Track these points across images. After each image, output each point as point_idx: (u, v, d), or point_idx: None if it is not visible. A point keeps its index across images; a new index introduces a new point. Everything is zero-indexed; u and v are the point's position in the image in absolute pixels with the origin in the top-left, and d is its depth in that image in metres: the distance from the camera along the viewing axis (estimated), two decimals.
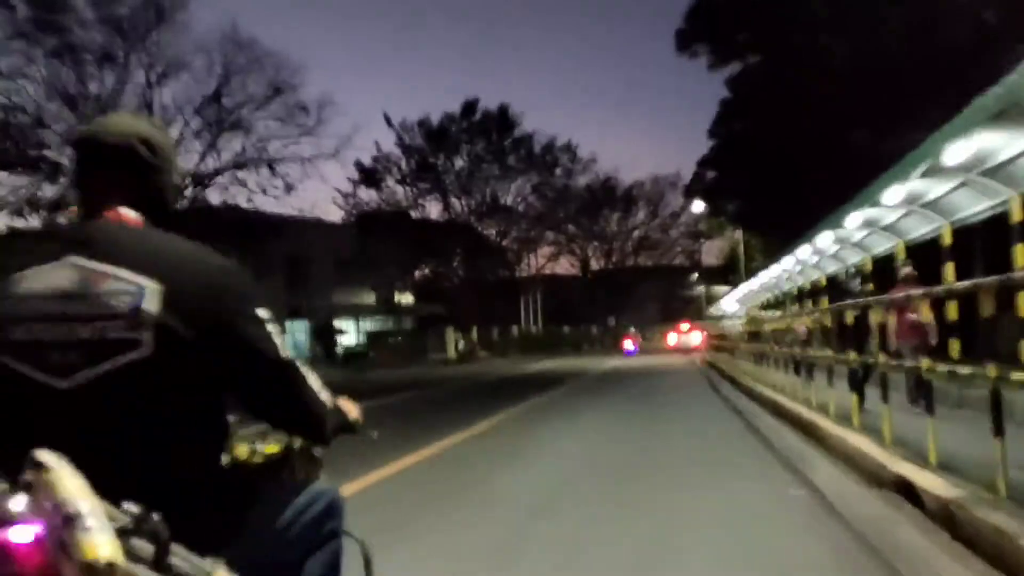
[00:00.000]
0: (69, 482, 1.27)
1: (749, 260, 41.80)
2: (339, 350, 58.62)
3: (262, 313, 1.79)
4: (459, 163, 58.70)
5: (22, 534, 1.24)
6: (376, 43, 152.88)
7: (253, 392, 1.82)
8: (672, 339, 51.47)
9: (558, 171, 63.11)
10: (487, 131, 57.93)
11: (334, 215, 60.46)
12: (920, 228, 14.07)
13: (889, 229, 15.04)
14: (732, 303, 36.74)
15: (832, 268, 15.60)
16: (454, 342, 54.72)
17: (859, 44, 31.66)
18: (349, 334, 57.19)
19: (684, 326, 51.99)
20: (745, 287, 35.56)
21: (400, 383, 26.76)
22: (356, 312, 63.90)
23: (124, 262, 1.64)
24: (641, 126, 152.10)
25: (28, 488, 1.28)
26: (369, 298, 65.52)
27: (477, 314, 59.07)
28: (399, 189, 59.65)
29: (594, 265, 75.59)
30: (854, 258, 15.12)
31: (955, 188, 11.56)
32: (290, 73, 36.75)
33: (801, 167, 35.14)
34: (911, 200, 11.77)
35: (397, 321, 65.60)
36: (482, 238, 61.79)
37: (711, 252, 78.91)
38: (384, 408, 16.72)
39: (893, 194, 10.61)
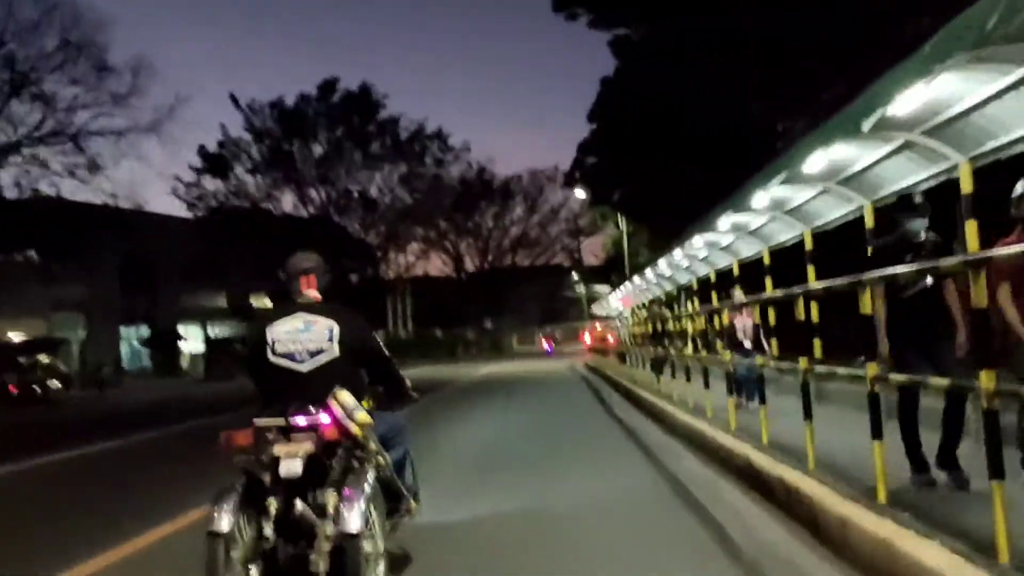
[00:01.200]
0: (347, 397, 3.81)
1: (633, 255, 37.89)
2: (186, 360, 51.91)
3: (374, 334, 4.41)
4: (317, 150, 52.29)
5: (324, 419, 3.73)
6: (220, 15, 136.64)
7: (374, 371, 4.36)
8: (587, 339, 49.99)
9: (427, 160, 57.47)
10: (347, 115, 51.68)
11: (170, 206, 53.56)
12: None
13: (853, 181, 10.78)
14: (616, 302, 32.74)
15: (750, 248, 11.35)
16: None
17: (758, 8, 28.17)
18: (190, 341, 50.46)
19: (598, 326, 50.30)
20: (631, 283, 31.68)
21: (216, 400, 21.50)
22: (204, 317, 57.43)
23: (323, 315, 4.07)
24: (516, 116, 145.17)
25: (335, 397, 3.81)
26: (220, 301, 58.94)
27: None
28: (249, 179, 53.01)
29: (468, 265, 70.84)
30: (785, 234, 10.81)
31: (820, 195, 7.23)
32: (91, 28, 30.74)
33: (691, 148, 31.51)
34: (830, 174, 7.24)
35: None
36: (345, 232, 56.12)
37: (592, 250, 75.68)
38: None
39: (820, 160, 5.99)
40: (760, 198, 8.16)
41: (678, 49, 30.36)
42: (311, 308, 4.13)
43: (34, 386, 29.21)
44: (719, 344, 11.84)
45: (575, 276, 73.75)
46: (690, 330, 13.70)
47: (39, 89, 30.43)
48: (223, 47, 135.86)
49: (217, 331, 57.37)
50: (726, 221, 10.03)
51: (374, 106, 52.24)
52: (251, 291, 63.31)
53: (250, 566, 3.58)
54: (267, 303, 65.71)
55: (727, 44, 28.10)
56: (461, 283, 69.00)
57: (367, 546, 3.69)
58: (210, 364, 43.23)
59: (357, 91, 51.43)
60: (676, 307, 20.78)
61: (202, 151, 48.85)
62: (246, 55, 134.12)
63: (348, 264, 58.73)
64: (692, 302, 19.21)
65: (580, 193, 39.51)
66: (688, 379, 11.82)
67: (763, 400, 7.77)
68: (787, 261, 10.85)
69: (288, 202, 53.68)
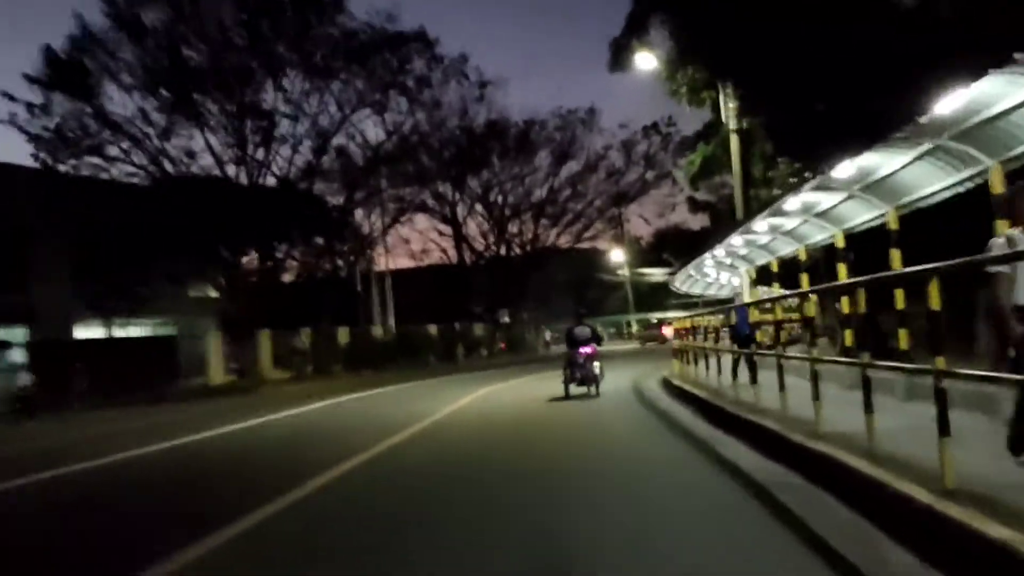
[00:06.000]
0: (595, 345, 17.84)
1: (747, 182, 20.83)
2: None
3: (600, 331, 21.62)
4: (230, 53, 34.36)
5: (588, 350, 17.42)
6: None
7: (597, 339, 18.21)
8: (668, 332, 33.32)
9: (408, 80, 39.64)
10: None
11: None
12: None
13: None
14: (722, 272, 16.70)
15: None
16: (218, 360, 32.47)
17: None
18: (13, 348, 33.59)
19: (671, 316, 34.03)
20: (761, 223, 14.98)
21: None
22: (111, 313, 40.87)
23: (586, 325, 18.04)
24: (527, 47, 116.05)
25: (591, 344, 17.87)
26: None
27: (284, 312, 37.16)
28: (118, 96, 33.87)
29: (472, 232, 53.20)
30: None
31: None
32: None
33: None
34: None
35: (187, 324, 43.02)
36: (314, 202, 39.39)
37: (644, 213, 58.94)
38: None
39: None
40: None
41: None
42: (582, 323, 17.60)
43: None
44: None
45: (619, 255, 56.66)
46: None
47: None
48: None
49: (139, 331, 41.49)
50: None
51: None
52: (191, 276, 47.23)
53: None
54: (212, 294, 49.63)
55: None
56: (463, 266, 52.03)
57: (600, 383, 17.04)
58: (34, 388, 26.26)
59: None
60: None
61: (49, 54, 31.45)
62: None
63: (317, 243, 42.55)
64: None
65: (646, 60, 22.57)
66: None
67: None
68: None
69: (184, 134, 35.26)
